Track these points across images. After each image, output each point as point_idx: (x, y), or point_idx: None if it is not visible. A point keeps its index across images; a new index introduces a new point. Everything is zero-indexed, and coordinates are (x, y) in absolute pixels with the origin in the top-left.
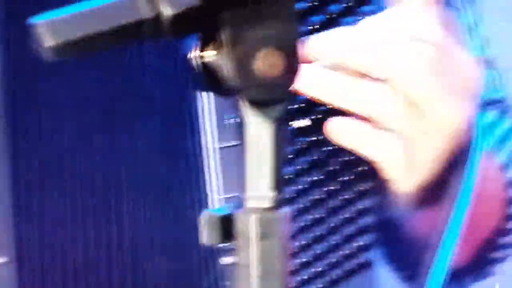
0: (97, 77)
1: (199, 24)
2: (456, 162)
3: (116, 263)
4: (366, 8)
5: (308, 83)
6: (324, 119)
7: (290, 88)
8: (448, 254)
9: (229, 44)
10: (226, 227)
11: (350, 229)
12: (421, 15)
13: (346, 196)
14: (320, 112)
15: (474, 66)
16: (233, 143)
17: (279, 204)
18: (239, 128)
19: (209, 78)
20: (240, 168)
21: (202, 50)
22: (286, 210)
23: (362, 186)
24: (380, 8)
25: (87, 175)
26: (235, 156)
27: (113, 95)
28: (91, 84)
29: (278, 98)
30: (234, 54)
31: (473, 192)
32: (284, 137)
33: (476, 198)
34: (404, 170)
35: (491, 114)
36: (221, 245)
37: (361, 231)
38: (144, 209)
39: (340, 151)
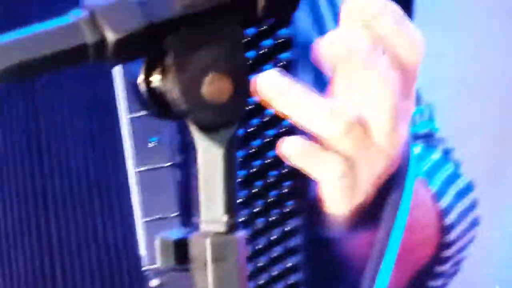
0: (15, 105)
1: (144, 48)
2: (390, 186)
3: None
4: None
5: (262, 88)
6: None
7: (240, 112)
8: (383, 282)
9: (175, 69)
10: (181, 251)
11: (277, 250)
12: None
13: (274, 217)
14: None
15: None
16: (154, 166)
17: (233, 227)
18: (161, 152)
19: (157, 103)
20: (161, 190)
21: (148, 75)
22: (241, 234)
23: (290, 207)
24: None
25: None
26: (155, 179)
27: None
28: (12, 112)
29: (228, 121)
30: (181, 79)
31: (407, 221)
32: (236, 160)
33: (410, 226)
34: (342, 192)
35: (420, 147)
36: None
37: (289, 252)
38: (71, 237)
39: (266, 171)
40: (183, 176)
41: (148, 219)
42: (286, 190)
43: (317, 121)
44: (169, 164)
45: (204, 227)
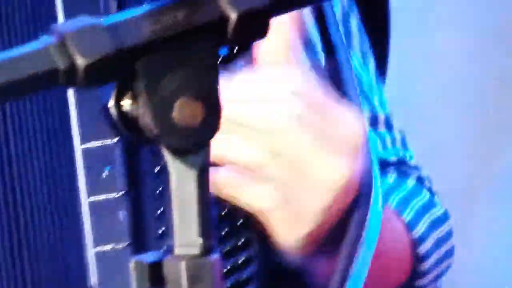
0: None
1: (115, 73)
2: (351, 215)
3: None
4: None
5: None
6: None
7: (213, 135)
8: None
9: (145, 93)
10: (156, 274)
11: (231, 280)
12: (288, 73)
13: (225, 249)
14: None
15: (356, 121)
16: (106, 196)
17: (209, 250)
18: (113, 182)
19: (128, 127)
20: (112, 220)
21: (119, 99)
22: (216, 256)
23: (240, 238)
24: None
25: None
26: (107, 209)
27: None
28: None
29: (201, 145)
30: (152, 103)
31: (379, 248)
32: (209, 182)
33: (381, 254)
34: (283, 221)
35: (393, 175)
36: None
37: (244, 282)
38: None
39: (215, 203)
40: (135, 205)
41: (99, 249)
42: (240, 222)
43: (240, 152)
44: (121, 193)
45: (178, 250)
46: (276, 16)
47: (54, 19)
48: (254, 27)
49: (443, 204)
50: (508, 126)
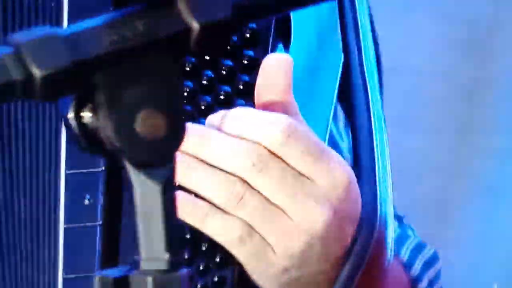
0: None
1: (74, 84)
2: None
3: None
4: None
5: None
6: None
7: (175, 149)
8: None
9: (106, 105)
10: None
11: None
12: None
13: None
14: None
15: (339, 170)
16: (83, 224)
17: (176, 265)
18: (92, 210)
19: (89, 140)
20: (85, 249)
21: (79, 111)
22: (184, 272)
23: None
24: None
25: None
26: (82, 237)
27: None
28: None
29: (165, 157)
30: (113, 115)
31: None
32: (175, 196)
33: None
34: (245, 258)
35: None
36: None
37: None
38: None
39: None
40: (112, 235)
41: (68, 276)
42: (217, 259)
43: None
44: (98, 223)
45: (144, 265)
46: (238, 26)
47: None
48: (216, 38)
49: (417, 217)
50: (476, 139)
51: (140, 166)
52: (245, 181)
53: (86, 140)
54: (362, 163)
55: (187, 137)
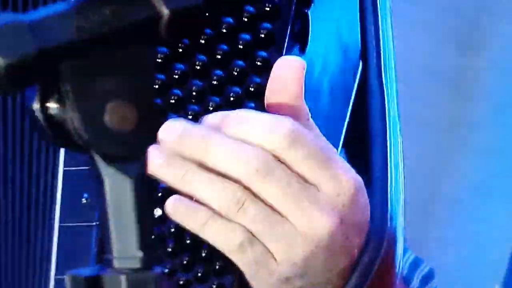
0: None
1: (40, 74)
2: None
3: None
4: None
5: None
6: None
7: (147, 143)
8: None
9: (73, 96)
10: None
11: None
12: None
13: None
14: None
15: (345, 177)
16: (77, 223)
17: (150, 264)
18: (87, 210)
19: (56, 132)
20: (78, 249)
21: (44, 102)
22: (159, 270)
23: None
24: None
25: None
26: (75, 237)
27: None
28: None
29: (136, 151)
30: (80, 106)
31: None
32: (149, 194)
33: None
34: (245, 266)
35: None
36: None
37: None
38: None
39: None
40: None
41: (60, 276)
42: (217, 266)
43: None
44: (93, 224)
45: (117, 263)
46: (209, 14)
47: None
48: (187, 25)
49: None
50: (462, 133)
51: (109, 159)
52: (246, 187)
53: (53, 132)
54: (374, 173)
55: (189, 140)
